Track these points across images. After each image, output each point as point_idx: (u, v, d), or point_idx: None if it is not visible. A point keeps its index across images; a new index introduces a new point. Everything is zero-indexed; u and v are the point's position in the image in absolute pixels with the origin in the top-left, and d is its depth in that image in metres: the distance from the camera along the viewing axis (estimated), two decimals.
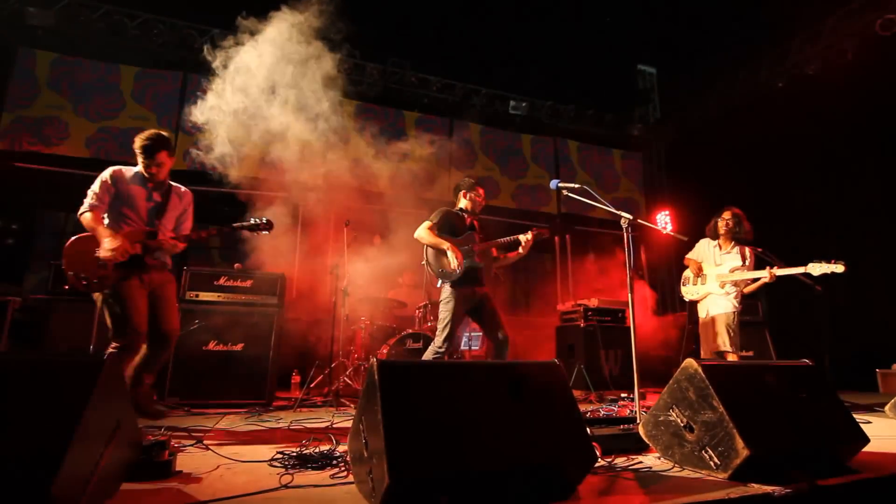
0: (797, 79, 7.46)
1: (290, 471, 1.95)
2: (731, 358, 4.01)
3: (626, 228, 3.09)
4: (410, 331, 5.16)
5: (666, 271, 9.88)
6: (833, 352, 4.77)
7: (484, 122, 9.05)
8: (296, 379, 5.74)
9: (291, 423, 3.38)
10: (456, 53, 8.17)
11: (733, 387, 2.09)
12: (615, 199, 9.58)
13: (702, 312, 4.33)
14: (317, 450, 2.26)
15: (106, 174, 3.05)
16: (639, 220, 3.15)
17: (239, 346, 4.20)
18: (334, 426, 3.23)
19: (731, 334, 4.03)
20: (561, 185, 3.39)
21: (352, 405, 4.29)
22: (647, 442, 2.34)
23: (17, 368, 1.44)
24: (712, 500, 1.67)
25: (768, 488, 1.77)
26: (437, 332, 3.56)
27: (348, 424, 3.05)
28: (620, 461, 2.21)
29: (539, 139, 9.41)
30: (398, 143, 7.97)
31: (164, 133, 3.14)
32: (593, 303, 6.05)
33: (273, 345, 4.32)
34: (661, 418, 2.26)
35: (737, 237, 4.23)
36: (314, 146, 5.48)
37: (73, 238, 2.93)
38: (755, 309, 6.14)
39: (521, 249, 3.77)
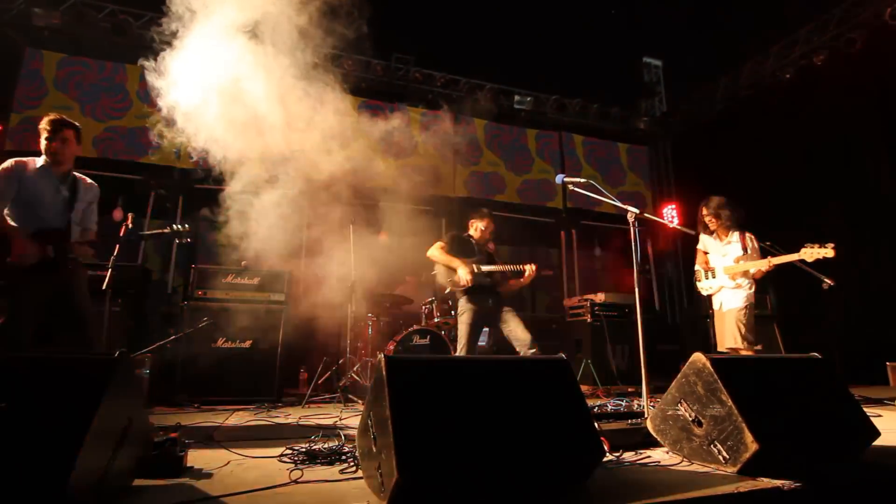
0: (805, 70, 7.37)
1: (300, 466, 1.97)
2: (746, 354, 3.92)
3: (633, 222, 3.07)
4: (417, 327, 5.17)
5: (673, 265, 9.83)
6: (843, 345, 4.73)
7: (489, 117, 9.01)
8: (304, 375, 5.78)
9: (300, 419, 3.41)
10: (460, 48, 8.14)
11: (742, 381, 2.08)
12: (621, 194, 9.53)
13: (715, 305, 4.27)
14: (326, 445, 2.28)
15: (7, 164, 2.76)
16: (645, 214, 3.14)
17: (247, 344, 4.23)
18: (342, 421, 3.25)
19: (743, 330, 3.95)
20: (567, 179, 3.38)
21: (359, 401, 4.31)
22: (656, 436, 2.33)
23: (31, 368, 1.46)
24: (721, 494, 1.67)
25: (778, 482, 1.76)
26: (458, 344, 3.88)
27: (356, 420, 3.07)
28: (629, 456, 2.21)
29: (544, 134, 9.37)
30: (403, 139, 7.96)
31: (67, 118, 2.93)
32: (600, 298, 6.04)
33: (281, 341, 4.36)
34: (670, 413, 2.25)
35: (728, 226, 4.13)
36: (318, 142, 5.48)
37: None
38: (763, 303, 6.10)
39: (522, 279, 4.07)
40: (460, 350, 3.85)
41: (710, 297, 4.31)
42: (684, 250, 9.69)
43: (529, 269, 3.99)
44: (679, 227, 3.85)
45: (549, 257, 9.12)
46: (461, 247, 4.12)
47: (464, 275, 3.83)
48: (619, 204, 3.18)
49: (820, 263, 3.77)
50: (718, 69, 8.59)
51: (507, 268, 4.03)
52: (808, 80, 7.30)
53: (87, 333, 2.86)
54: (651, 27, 9.27)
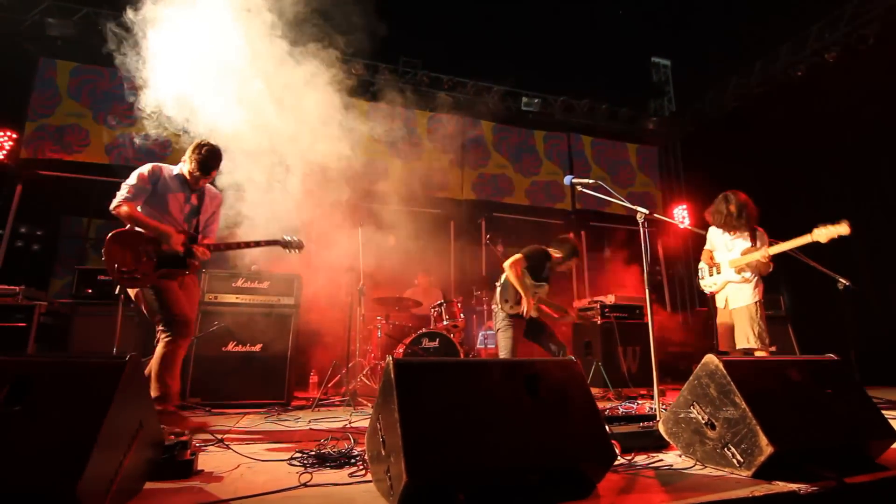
0: (817, 66, 7.28)
1: (310, 470, 1.96)
2: (762, 355, 3.70)
3: (643, 223, 3.04)
4: (426, 330, 5.16)
5: (684, 266, 9.74)
6: (860, 346, 4.64)
7: (496, 119, 9.01)
8: (314, 378, 5.79)
9: (310, 422, 3.42)
10: (467, 51, 8.16)
11: (756, 383, 2.05)
12: (631, 194, 9.47)
13: (720, 303, 4.09)
14: (335, 449, 2.28)
15: (145, 169, 2.98)
16: (655, 215, 3.10)
17: (258, 347, 4.25)
18: (352, 425, 3.25)
19: (757, 329, 3.74)
20: (575, 180, 3.36)
21: (369, 404, 4.31)
22: (668, 439, 2.30)
23: (44, 370, 1.48)
24: (736, 498, 1.64)
25: (794, 486, 1.73)
26: (500, 355, 4.01)
27: (366, 423, 3.07)
28: (640, 459, 2.18)
29: (552, 135, 9.34)
30: (411, 142, 7.99)
31: (217, 147, 3.12)
32: (610, 299, 5.99)
33: (291, 345, 4.37)
34: (682, 415, 2.22)
35: (744, 224, 3.92)
36: (327, 147, 5.51)
37: (112, 233, 2.88)
38: (777, 303, 6.01)
39: (566, 316, 4.31)
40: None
41: (713, 295, 4.14)
42: (695, 251, 9.59)
43: (572, 314, 4.33)
44: (690, 228, 3.82)
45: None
46: (536, 265, 4.12)
47: (526, 309, 3.92)
48: (628, 205, 3.16)
49: (835, 264, 3.69)
50: (729, 67, 8.51)
51: (560, 311, 4.25)
52: (820, 77, 7.21)
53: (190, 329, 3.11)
54: (659, 27, 9.23)
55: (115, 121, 6.54)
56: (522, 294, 3.92)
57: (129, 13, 4.01)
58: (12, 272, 5.81)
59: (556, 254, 4.22)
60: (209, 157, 3.04)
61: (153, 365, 2.91)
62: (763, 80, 8.12)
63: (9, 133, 6.41)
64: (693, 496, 1.66)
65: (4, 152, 6.34)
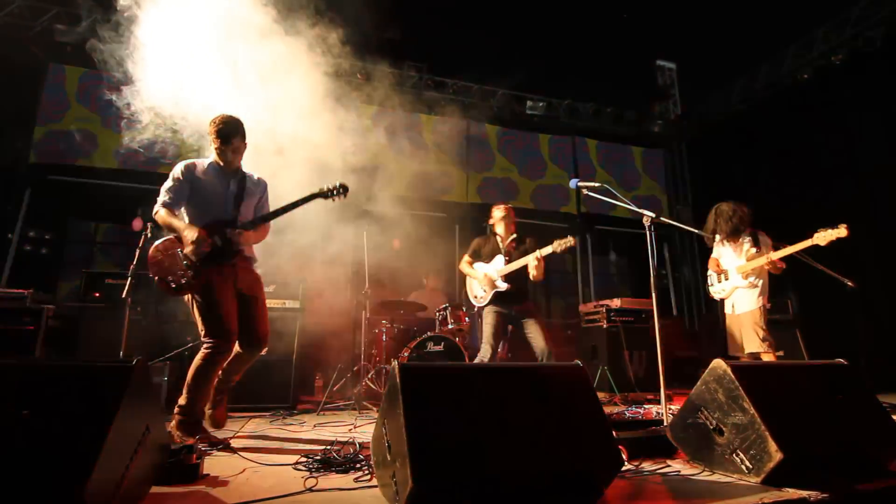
0: (824, 69, 7.24)
1: (315, 474, 1.96)
2: (768, 358, 3.77)
3: (649, 227, 3.03)
4: (431, 333, 5.16)
5: (691, 270, 9.69)
6: (869, 351, 4.59)
7: (501, 122, 9.02)
8: (319, 382, 5.80)
9: (315, 426, 3.42)
10: (472, 55, 8.16)
11: (764, 388, 2.03)
12: (636, 198, 9.43)
13: (728, 308, 4.15)
14: (340, 453, 2.28)
15: (177, 169, 2.90)
16: (661, 218, 3.09)
17: (262, 351, 4.25)
18: (357, 429, 3.24)
19: (761, 333, 3.82)
20: (581, 184, 3.36)
21: (374, 408, 4.30)
22: (675, 445, 2.28)
23: (51, 374, 1.49)
24: None
25: (804, 493, 1.71)
26: (482, 344, 3.95)
27: (371, 428, 3.06)
28: (648, 465, 2.17)
29: (557, 139, 9.34)
30: (415, 146, 8.00)
31: (235, 116, 2.97)
32: (616, 303, 5.96)
33: (296, 349, 4.37)
34: (690, 421, 2.20)
35: (741, 229, 4.01)
36: (331, 150, 5.53)
37: (153, 245, 2.81)
38: (785, 307, 5.96)
39: (538, 267, 3.92)
40: (484, 350, 3.89)
41: (722, 301, 4.20)
42: (701, 254, 9.54)
43: (533, 255, 3.89)
44: (696, 231, 3.79)
45: (563, 262, 9.05)
46: (484, 249, 4.22)
47: (478, 289, 4.07)
48: (634, 208, 3.15)
49: (843, 266, 3.66)
50: (735, 70, 8.48)
51: (527, 260, 3.91)
52: (827, 80, 7.17)
53: (261, 323, 3.02)
54: (664, 30, 9.20)
55: (124, 125, 6.60)
56: (471, 275, 4.11)
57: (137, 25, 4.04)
58: (21, 276, 5.86)
59: (489, 222, 4.35)
60: (224, 125, 2.89)
61: (189, 373, 2.79)
62: (769, 83, 8.08)
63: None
64: (701, 503, 1.64)
65: (14, 157, 6.41)
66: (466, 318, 5.60)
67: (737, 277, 4.01)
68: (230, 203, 2.96)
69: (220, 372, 2.92)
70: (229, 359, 2.92)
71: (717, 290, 4.24)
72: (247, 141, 3.05)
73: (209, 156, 3.02)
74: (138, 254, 4.47)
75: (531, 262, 3.85)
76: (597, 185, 3.31)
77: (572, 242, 3.83)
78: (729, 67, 8.51)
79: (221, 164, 2.96)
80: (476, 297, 4.14)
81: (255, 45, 4.60)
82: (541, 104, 8.90)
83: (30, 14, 6.53)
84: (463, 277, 4.49)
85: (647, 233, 3.03)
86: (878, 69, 6.54)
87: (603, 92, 9.05)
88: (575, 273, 8.96)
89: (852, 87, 6.81)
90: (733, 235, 4.05)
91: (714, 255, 4.32)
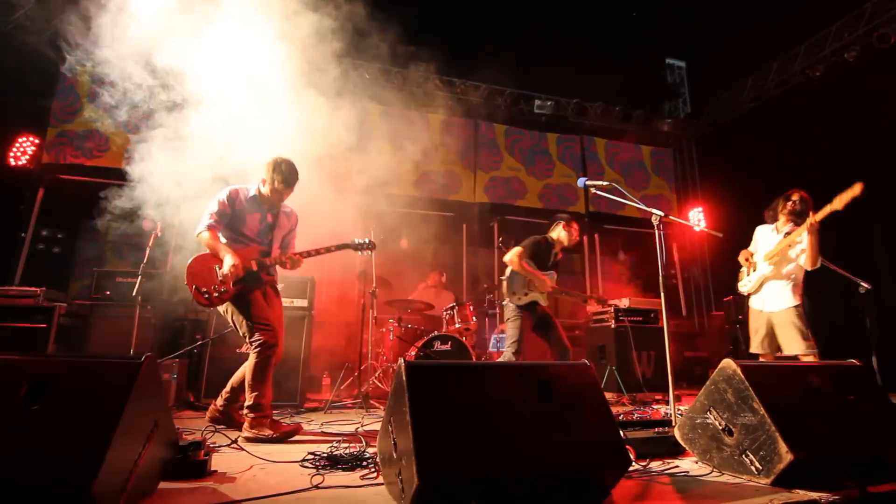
0: (836, 67, 7.14)
1: (321, 471, 1.97)
2: (810, 360, 3.43)
3: (658, 226, 3.01)
4: (438, 332, 5.16)
5: (700, 269, 9.60)
6: (882, 352, 4.51)
7: (509, 122, 9.00)
8: (326, 381, 5.82)
9: (322, 424, 3.43)
10: (479, 54, 8.15)
11: (775, 388, 2.01)
12: (645, 197, 9.37)
13: (756, 304, 3.81)
14: (347, 451, 2.28)
15: (223, 195, 3.16)
16: (671, 217, 3.06)
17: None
18: (364, 427, 3.25)
19: (805, 332, 3.51)
20: (589, 182, 3.34)
21: (381, 406, 4.31)
22: (684, 445, 2.26)
23: (62, 370, 1.50)
24: None
25: (814, 495, 1.69)
26: (507, 346, 4.01)
27: (377, 426, 3.07)
28: (656, 465, 2.15)
29: (565, 138, 9.30)
30: (423, 146, 8.00)
31: (292, 162, 3.24)
32: (624, 303, 5.92)
33: (304, 347, 4.39)
34: (699, 421, 2.18)
35: (798, 220, 3.72)
36: (339, 150, 5.55)
37: (194, 257, 3.06)
38: None
39: (589, 298, 4.37)
40: (508, 350, 3.96)
41: (749, 297, 3.90)
42: (711, 254, 9.46)
43: (587, 297, 4.39)
44: (706, 231, 3.74)
45: (571, 262, 9.02)
46: (537, 253, 4.16)
47: (542, 289, 4.03)
48: (643, 207, 3.12)
49: (857, 267, 3.59)
50: (745, 68, 8.39)
51: (574, 296, 4.33)
52: (839, 78, 7.07)
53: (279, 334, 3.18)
54: (674, 28, 9.13)
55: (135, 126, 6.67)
56: (534, 277, 4.00)
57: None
58: (34, 274, 5.94)
59: (552, 234, 4.29)
60: (291, 173, 3.19)
61: (246, 376, 3.01)
62: (780, 81, 7.99)
63: (31, 138, 6.57)
64: (711, 503, 1.63)
65: (27, 157, 6.50)
66: (474, 318, 5.59)
67: (763, 266, 3.76)
68: (265, 233, 3.26)
69: (273, 369, 3.08)
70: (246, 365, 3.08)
71: (743, 282, 3.95)
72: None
73: (250, 183, 3.28)
74: (148, 253, 4.52)
75: (581, 298, 4.28)
76: (605, 183, 3.29)
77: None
78: (739, 65, 8.43)
79: (269, 197, 3.21)
80: (514, 292, 4.07)
81: (258, 44, 4.63)
82: (549, 103, 8.87)
83: (42, 15, 6.62)
84: (471, 276, 4.51)
85: (656, 232, 3.00)
86: (892, 66, 6.43)
87: (612, 90, 9.00)
88: (583, 272, 8.92)
89: (865, 84, 6.70)
90: (788, 223, 3.76)
91: (751, 246, 4.00)
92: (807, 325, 3.59)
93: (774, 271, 3.73)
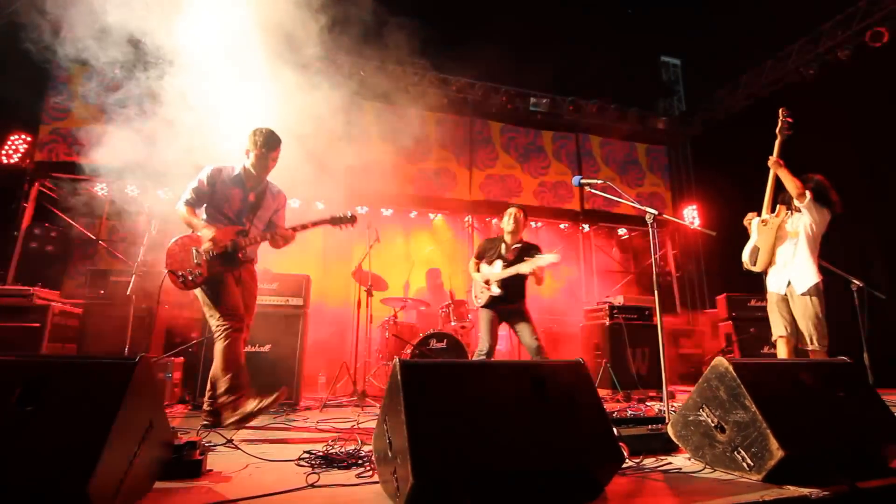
0: (830, 65, 7.18)
1: (317, 470, 1.97)
2: (820, 357, 3.32)
3: (652, 224, 3.02)
4: (434, 330, 5.17)
5: (694, 267, 9.65)
6: (874, 349, 4.56)
7: (504, 119, 9.00)
8: (322, 379, 5.82)
9: (318, 422, 3.43)
10: (475, 52, 8.14)
11: (766, 385, 2.03)
12: (640, 195, 9.41)
13: (775, 287, 3.62)
14: (343, 449, 2.29)
15: (204, 173, 3.15)
16: (665, 215, 3.08)
17: (266, 348, 4.27)
18: (359, 426, 3.26)
19: (816, 323, 3.38)
20: (584, 181, 3.35)
21: (376, 405, 4.32)
22: (677, 442, 2.28)
23: (56, 370, 1.50)
24: (746, 502, 1.62)
25: (805, 491, 1.71)
26: (480, 340, 4.08)
27: (373, 424, 3.08)
28: (649, 462, 2.17)
29: (561, 135, 9.31)
30: (419, 144, 7.99)
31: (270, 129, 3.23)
32: (619, 300, 5.95)
33: (299, 346, 4.39)
34: (691, 418, 2.20)
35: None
36: (335, 148, 5.54)
37: (174, 239, 3.07)
38: None
39: (539, 272, 4.00)
40: (481, 346, 4.00)
41: (763, 280, 3.75)
42: (705, 251, 9.51)
43: (550, 257, 3.92)
44: (700, 229, 3.76)
45: (566, 260, 9.04)
46: (483, 252, 4.32)
47: (479, 290, 4.21)
48: (637, 205, 3.14)
49: (849, 264, 3.62)
50: (739, 67, 8.43)
51: (518, 269, 3.95)
52: (833, 76, 7.11)
53: (248, 320, 3.24)
54: (669, 26, 9.15)
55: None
56: (476, 279, 4.26)
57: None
58: (27, 273, 5.89)
59: (500, 227, 4.40)
60: (271, 136, 3.19)
61: (216, 362, 3.04)
62: (774, 80, 8.03)
63: (23, 136, 6.52)
64: (702, 500, 1.64)
65: (20, 155, 6.45)
66: (469, 315, 5.61)
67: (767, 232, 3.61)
68: (245, 212, 3.23)
69: (243, 352, 3.11)
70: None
71: (745, 253, 3.81)
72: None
73: (234, 163, 3.25)
74: (143, 251, 4.51)
75: (524, 270, 3.92)
76: (600, 181, 3.30)
77: (555, 260, 3.89)
78: (734, 63, 8.46)
79: (254, 172, 3.20)
80: (476, 297, 4.29)
81: (253, 42, 4.61)
82: (544, 101, 8.88)
83: (35, 12, 6.55)
84: (468, 274, 4.55)
85: (651, 229, 3.02)
86: (885, 64, 6.48)
87: (607, 88, 9.02)
88: (578, 270, 8.95)
89: (859, 82, 6.75)
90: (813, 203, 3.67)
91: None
92: (822, 318, 3.46)
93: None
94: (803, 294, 3.49)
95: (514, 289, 4.09)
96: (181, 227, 3.19)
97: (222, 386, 2.98)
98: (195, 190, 3.12)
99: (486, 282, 4.13)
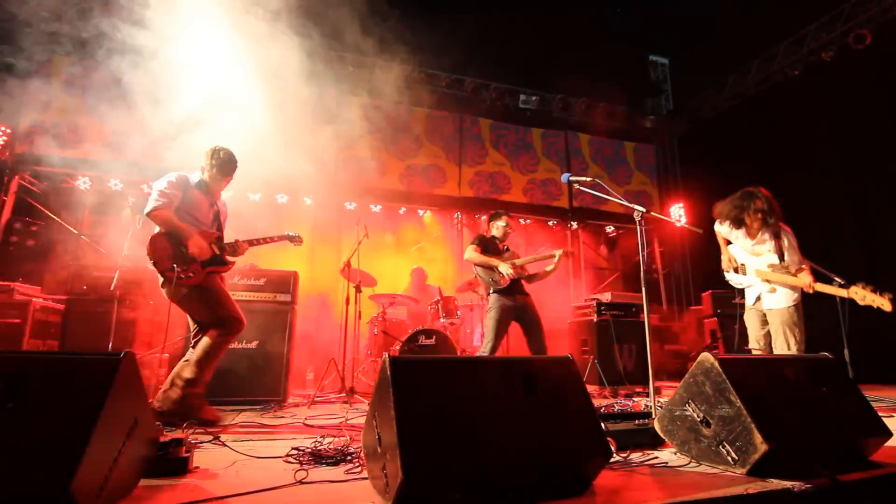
0: (814, 66, 7.30)
1: (305, 466, 1.96)
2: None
3: (640, 221, 3.04)
4: (423, 327, 5.16)
5: (681, 264, 9.76)
6: (854, 345, 4.65)
7: (494, 116, 9.00)
8: (310, 375, 5.79)
9: (306, 419, 3.41)
10: (465, 48, 8.13)
11: (751, 381, 2.06)
12: (628, 192, 9.49)
13: (749, 299, 3.76)
14: (331, 446, 2.28)
15: (173, 176, 3.13)
16: (652, 213, 3.11)
17: (254, 344, 4.23)
18: (348, 422, 3.25)
19: (796, 335, 3.48)
20: (573, 178, 3.36)
21: (365, 401, 4.31)
22: (663, 437, 2.31)
23: (38, 366, 1.47)
24: (730, 495, 1.65)
25: (788, 484, 1.74)
26: (485, 338, 4.02)
27: (362, 420, 3.07)
28: (636, 456, 2.19)
29: (550, 133, 9.34)
30: (408, 140, 7.97)
31: (231, 151, 3.34)
32: (606, 297, 6.00)
33: (287, 342, 4.36)
34: (677, 413, 2.23)
35: (769, 223, 3.62)
36: (324, 144, 5.49)
37: (151, 237, 3.04)
38: None
39: (553, 267, 4.25)
40: (486, 343, 3.97)
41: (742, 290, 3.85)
42: (692, 249, 9.62)
43: (559, 252, 4.23)
44: (687, 226, 3.79)
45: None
46: (491, 247, 4.34)
47: (506, 270, 4.07)
48: (625, 203, 3.16)
49: (831, 261, 3.68)
50: (726, 66, 8.52)
51: (541, 256, 4.29)
52: (817, 77, 7.23)
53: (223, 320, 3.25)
54: (657, 25, 9.22)
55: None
56: (492, 262, 4.13)
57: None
58: (7, 268, 5.77)
59: (492, 231, 4.45)
60: (230, 163, 3.28)
61: (197, 352, 3.06)
62: (760, 80, 8.14)
63: (3, 128, 6.37)
64: (688, 493, 1.66)
65: None
66: (458, 312, 5.61)
67: (756, 280, 3.71)
68: (212, 219, 3.31)
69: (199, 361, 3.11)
70: (204, 346, 3.14)
71: (733, 278, 3.88)
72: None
73: (194, 171, 3.28)
74: (126, 246, 4.43)
75: (551, 256, 4.19)
76: (588, 179, 3.31)
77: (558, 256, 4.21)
78: (721, 63, 8.56)
79: (211, 185, 3.29)
80: (495, 281, 4.13)
81: (241, 37, 4.55)
82: (534, 98, 8.89)
83: (17, 4, 6.40)
84: (458, 270, 4.54)
85: (638, 227, 3.04)
86: (868, 65, 6.60)
87: (596, 87, 9.06)
88: (566, 267, 9.00)
89: (843, 83, 6.86)
90: (758, 226, 3.65)
91: (719, 229, 3.93)
92: (802, 327, 3.59)
93: (762, 283, 3.74)
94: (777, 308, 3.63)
95: (531, 276, 4.26)
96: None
97: (190, 373, 3.01)
98: (166, 195, 3.06)
99: (509, 265, 4.08)
